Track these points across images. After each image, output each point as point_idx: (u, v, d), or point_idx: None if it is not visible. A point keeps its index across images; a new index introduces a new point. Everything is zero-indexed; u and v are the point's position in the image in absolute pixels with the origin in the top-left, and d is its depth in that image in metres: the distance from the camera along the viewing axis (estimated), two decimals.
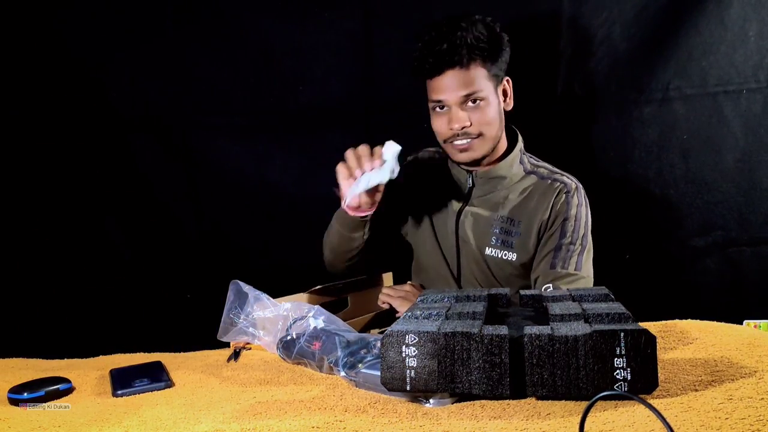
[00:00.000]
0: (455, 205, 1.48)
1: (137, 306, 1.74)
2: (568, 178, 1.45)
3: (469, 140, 1.38)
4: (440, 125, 1.40)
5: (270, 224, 1.77)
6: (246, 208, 1.77)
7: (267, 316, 1.16)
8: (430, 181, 1.53)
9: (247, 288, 1.18)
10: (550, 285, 1.33)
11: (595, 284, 1.38)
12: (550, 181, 1.44)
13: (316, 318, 1.14)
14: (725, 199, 1.63)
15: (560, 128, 1.68)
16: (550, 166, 1.47)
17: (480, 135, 1.38)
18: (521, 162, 1.46)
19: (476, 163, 1.43)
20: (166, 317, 1.74)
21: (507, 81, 1.44)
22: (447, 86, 1.35)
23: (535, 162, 1.48)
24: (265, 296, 1.19)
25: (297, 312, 1.16)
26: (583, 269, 1.38)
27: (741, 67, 1.59)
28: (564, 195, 1.41)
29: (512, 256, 1.41)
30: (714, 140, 1.63)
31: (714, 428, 0.69)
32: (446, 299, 1.04)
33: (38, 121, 1.68)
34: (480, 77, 1.35)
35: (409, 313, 0.95)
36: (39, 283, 1.72)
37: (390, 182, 1.33)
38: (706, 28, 1.59)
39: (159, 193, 1.75)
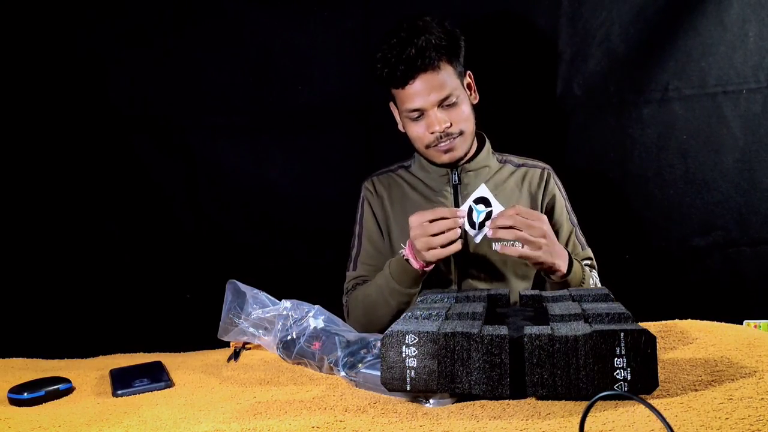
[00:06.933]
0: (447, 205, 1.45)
1: (137, 306, 1.74)
2: (538, 161, 1.51)
3: (451, 140, 1.39)
4: (419, 131, 1.39)
5: (269, 224, 1.77)
6: (245, 207, 1.76)
7: (267, 316, 1.16)
8: (403, 195, 1.49)
9: (244, 287, 1.18)
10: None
11: None
12: (527, 168, 1.49)
13: (316, 318, 1.14)
14: (725, 199, 1.64)
15: (559, 129, 1.68)
16: (513, 156, 1.52)
17: (461, 133, 1.39)
18: (492, 154, 1.50)
19: (458, 161, 1.44)
20: (166, 317, 1.74)
21: (469, 75, 1.44)
22: (421, 92, 1.34)
23: (499, 153, 1.52)
24: (263, 295, 1.19)
25: (297, 312, 1.16)
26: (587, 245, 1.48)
27: (740, 68, 1.59)
28: (551, 178, 1.48)
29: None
30: (713, 140, 1.63)
31: (714, 428, 0.69)
32: (446, 299, 1.04)
33: (38, 121, 1.68)
34: (449, 76, 1.36)
35: (409, 313, 0.96)
36: (39, 283, 1.71)
37: (370, 213, 1.49)
38: (705, 29, 1.59)
39: (158, 192, 1.75)
